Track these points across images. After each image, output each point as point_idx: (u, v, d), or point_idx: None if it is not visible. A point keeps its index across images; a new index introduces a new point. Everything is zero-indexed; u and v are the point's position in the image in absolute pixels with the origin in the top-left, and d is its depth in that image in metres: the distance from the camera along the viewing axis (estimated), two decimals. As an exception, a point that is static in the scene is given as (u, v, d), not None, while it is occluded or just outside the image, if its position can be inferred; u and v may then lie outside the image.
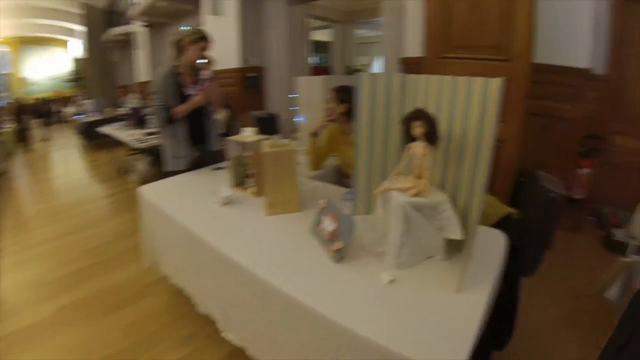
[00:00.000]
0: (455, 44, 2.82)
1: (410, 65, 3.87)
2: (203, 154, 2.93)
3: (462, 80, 1.51)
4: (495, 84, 1.34)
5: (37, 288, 3.17)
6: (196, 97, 2.68)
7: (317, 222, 1.74)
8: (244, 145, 2.24)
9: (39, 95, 15.00)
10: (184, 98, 2.70)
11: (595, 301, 2.49)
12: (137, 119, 5.72)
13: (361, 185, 1.88)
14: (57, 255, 3.75)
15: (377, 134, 1.80)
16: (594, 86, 3.29)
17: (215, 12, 5.81)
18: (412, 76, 1.71)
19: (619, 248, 2.99)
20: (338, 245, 1.55)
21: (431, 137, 1.45)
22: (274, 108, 5.94)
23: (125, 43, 10.53)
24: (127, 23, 9.56)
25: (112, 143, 6.47)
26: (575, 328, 2.41)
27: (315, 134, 2.64)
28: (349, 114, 2.49)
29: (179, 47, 2.67)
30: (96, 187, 6.22)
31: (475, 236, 1.39)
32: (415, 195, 1.50)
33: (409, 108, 1.57)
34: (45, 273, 3.41)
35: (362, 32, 9.55)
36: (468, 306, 1.29)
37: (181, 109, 2.68)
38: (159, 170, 3.39)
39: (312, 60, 7.41)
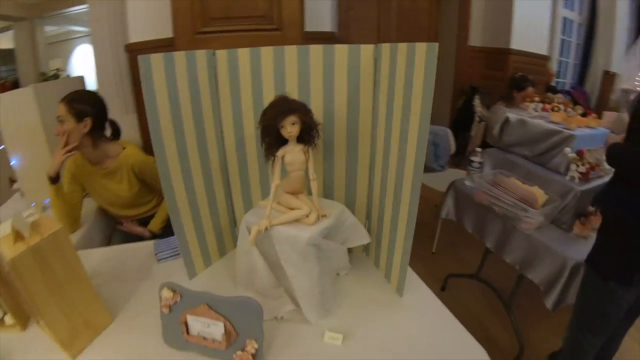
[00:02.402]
0: (215, 16, 2.33)
1: (143, 52, 2.99)
2: None
3: (315, 49, 1.12)
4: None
5: None
6: None
7: (178, 329, 0.99)
8: None
9: None
10: None
11: None
12: None
13: (186, 229, 1.22)
14: None
15: (190, 147, 1.16)
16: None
17: None
18: (225, 52, 1.14)
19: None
20: (250, 348, 0.92)
21: (310, 134, 1.02)
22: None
23: None
24: None
25: None
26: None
27: (55, 178, 1.69)
28: (95, 132, 1.69)
29: None
30: None
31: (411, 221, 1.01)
32: (316, 220, 1.02)
33: (225, 99, 1.18)
34: None
35: (52, 30, 7.88)
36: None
37: None
38: None
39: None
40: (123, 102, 2.98)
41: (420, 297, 1.14)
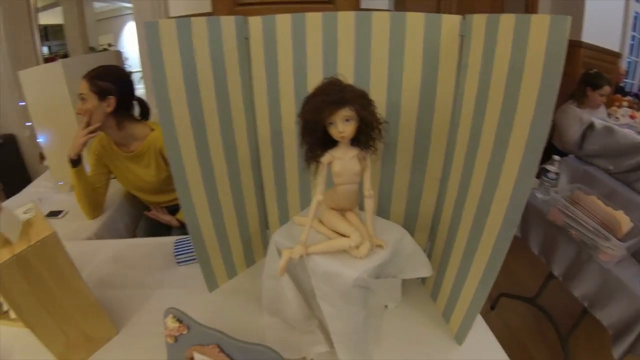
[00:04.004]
0: None
1: None
2: None
3: (379, 17, 0.82)
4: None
5: None
6: None
7: None
8: None
9: None
10: None
11: None
12: None
13: (206, 235, 1.01)
14: None
15: (212, 137, 0.93)
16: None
17: None
18: (260, 19, 0.89)
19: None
20: None
21: (369, 135, 0.75)
22: (6, 126, 4.23)
23: None
24: None
25: None
26: None
27: (76, 160, 1.54)
28: (120, 112, 1.54)
29: None
30: None
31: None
32: (368, 252, 0.76)
33: (259, 79, 0.94)
34: None
35: (102, 6, 7.94)
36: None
37: None
38: None
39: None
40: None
41: (482, 346, 0.89)
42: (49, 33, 7.43)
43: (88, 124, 1.49)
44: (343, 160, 0.74)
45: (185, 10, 2.69)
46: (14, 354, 1.00)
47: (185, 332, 0.77)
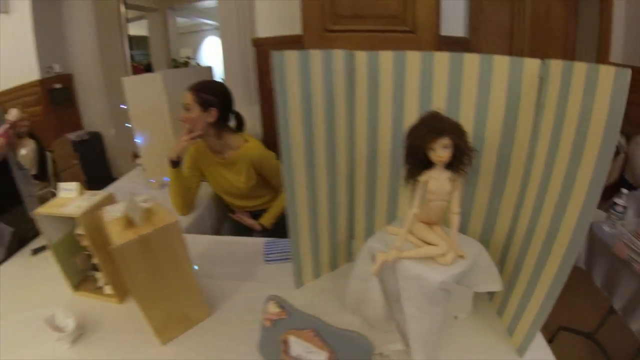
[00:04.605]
0: (344, 14, 2.24)
1: (270, 47, 3.05)
2: (22, 225, 1.71)
3: (470, 59, 0.96)
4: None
5: None
6: None
7: (277, 345, 0.91)
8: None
9: None
10: None
11: None
12: None
13: (303, 237, 1.16)
14: None
15: (318, 152, 1.08)
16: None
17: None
18: (366, 54, 1.04)
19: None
20: None
21: (461, 160, 0.87)
22: (93, 125, 4.61)
23: None
24: None
25: None
26: None
27: (176, 162, 1.74)
28: (219, 123, 1.71)
29: None
30: None
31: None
32: (453, 260, 0.87)
33: (361, 105, 1.09)
34: None
35: (183, 21, 8.50)
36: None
37: None
38: None
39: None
40: (247, 93, 3.11)
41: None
42: (133, 43, 7.83)
43: (190, 131, 1.67)
44: (438, 180, 0.85)
45: (272, 31, 2.86)
46: (104, 326, 1.14)
47: (284, 317, 0.90)
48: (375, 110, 1.06)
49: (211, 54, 9.11)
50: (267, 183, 1.83)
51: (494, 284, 0.99)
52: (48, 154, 2.01)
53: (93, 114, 4.74)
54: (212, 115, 1.65)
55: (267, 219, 1.85)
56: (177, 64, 7.69)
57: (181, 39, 8.44)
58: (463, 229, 1.10)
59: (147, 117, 2.19)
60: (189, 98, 1.66)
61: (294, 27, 2.50)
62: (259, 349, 0.96)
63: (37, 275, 1.43)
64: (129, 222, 0.95)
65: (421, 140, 0.83)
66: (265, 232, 1.80)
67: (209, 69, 2.94)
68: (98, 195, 1.21)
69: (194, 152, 1.82)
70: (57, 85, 4.48)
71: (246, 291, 1.23)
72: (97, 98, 4.67)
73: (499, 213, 1.05)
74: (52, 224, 1.23)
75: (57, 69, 4.51)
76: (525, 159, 0.96)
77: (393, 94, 1.03)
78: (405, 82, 1.01)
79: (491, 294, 1.14)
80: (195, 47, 9.06)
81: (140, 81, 2.30)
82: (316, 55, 0.97)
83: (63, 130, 4.41)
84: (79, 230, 1.21)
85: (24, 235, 1.70)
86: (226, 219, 2.03)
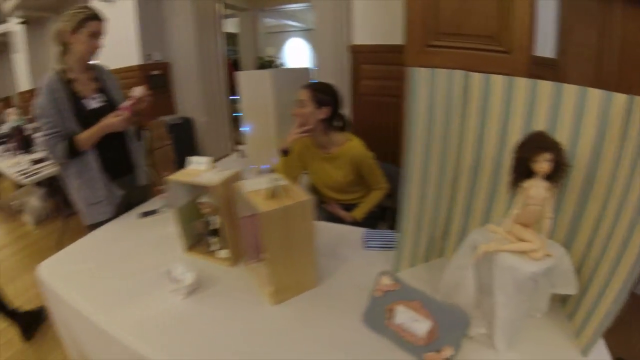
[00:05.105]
0: (446, 31, 2.35)
1: (367, 54, 3.23)
2: (130, 191, 2.03)
3: (567, 90, 1.09)
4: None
5: None
6: (111, 119, 1.80)
7: (382, 313, 1.10)
8: (201, 188, 1.42)
9: None
10: (84, 115, 1.82)
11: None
12: (21, 141, 4.38)
13: (409, 228, 1.32)
14: None
15: (433, 157, 1.26)
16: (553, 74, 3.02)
17: (106, -3, 4.65)
18: (480, 76, 1.19)
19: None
20: (446, 353, 0.97)
21: (558, 174, 1.03)
22: (186, 111, 5.02)
23: (2, 46, 8.62)
24: (2, 21, 7.78)
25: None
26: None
27: (285, 151, 1.94)
28: (330, 121, 1.90)
29: (62, 41, 1.79)
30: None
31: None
32: (542, 257, 1.02)
33: (471, 120, 1.23)
34: None
35: (270, 21, 8.94)
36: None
37: (87, 137, 1.80)
38: (60, 203, 2.76)
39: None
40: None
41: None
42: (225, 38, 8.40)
43: (302, 125, 1.87)
44: (537, 188, 1.00)
45: (370, 39, 3.00)
46: (216, 284, 1.34)
47: (395, 289, 1.07)
48: (483, 126, 1.22)
49: (293, 55, 9.49)
50: (362, 180, 1.98)
51: (571, 287, 1.11)
52: (146, 133, 2.27)
53: (187, 101, 5.12)
54: (324, 112, 1.84)
55: (359, 212, 2.00)
56: (262, 62, 8.03)
57: (267, 39, 8.82)
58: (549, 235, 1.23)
59: (254, 109, 2.44)
60: (305, 95, 1.85)
61: (390, 37, 2.63)
62: (365, 315, 1.13)
63: (146, 236, 1.71)
64: (270, 194, 1.16)
65: (528, 153, 0.99)
66: (355, 224, 1.95)
67: (306, 70, 3.15)
68: (227, 170, 1.41)
69: (299, 145, 2.00)
70: (155, 72, 4.90)
71: (348, 270, 1.39)
72: (191, 87, 5.03)
73: (581, 224, 1.16)
74: (179, 191, 1.46)
75: (157, 57, 4.93)
76: (608, 179, 1.07)
77: (500, 113, 1.18)
78: (512, 104, 1.16)
79: (565, 300, 1.25)
80: (278, 47, 9.48)
81: (252, 76, 2.57)
82: (441, 74, 1.15)
83: (158, 113, 4.82)
84: (204, 199, 1.43)
85: (131, 200, 2.01)
86: (319, 209, 2.19)
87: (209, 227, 1.47)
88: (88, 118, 1.80)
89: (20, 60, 7.88)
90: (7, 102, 8.67)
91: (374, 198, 2.01)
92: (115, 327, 1.18)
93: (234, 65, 7.24)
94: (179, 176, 1.42)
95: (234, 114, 5.24)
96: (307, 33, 9.68)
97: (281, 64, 8.31)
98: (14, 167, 3.95)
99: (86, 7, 1.78)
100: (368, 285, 1.17)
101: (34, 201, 4.32)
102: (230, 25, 8.20)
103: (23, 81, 7.99)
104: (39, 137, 1.65)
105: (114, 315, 1.23)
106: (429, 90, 1.14)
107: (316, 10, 3.64)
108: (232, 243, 1.41)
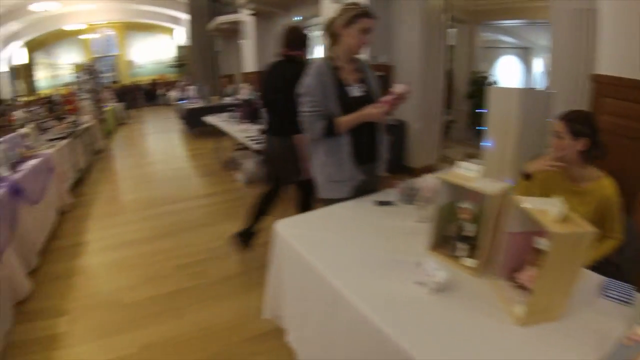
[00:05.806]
0: None
1: (607, 87, 2.82)
2: (369, 178, 2.20)
3: None
4: None
5: (114, 310, 2.59)
6: (371, 109, 1.96)
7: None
8: (463, 193, 1.47)
9: (144, 79, 16.20)
10: (347, 101, 2.01)
11: None
12: (249, 113, 5.17)
13: None
14: (145, 266, 3.17)
15: None
16: None
17: (338, -3, 5.07)
18: None
19: None
20: None
21: None
22: (402, 114, 5.15)
23: (231, 32, 10.37)
24: (235, 11, 9.36)
25: (215, 132, 6.04)
26: None
27: (528, 176, 1.87)
28: (588, 153, 1.73)
29: (332, 34, 2.01)
30: (196, 181, 5.74)
31: None
32: None
33: None
34: (127, 289, 2.83)
35: (485, 36, 8.60)
36: None
37: (346, 121, 1.99)
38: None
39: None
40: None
41: None
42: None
43: (557, 159, 1.75)
44: None
45: (617, 71, 2.65)
46: (460, 289, 1.34)
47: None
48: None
49: (505, 73, 9.02)
50: (600, 225, 1.75)
51: None
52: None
53: (405, 105, 5.26)
54: (582, 144, 1.70)
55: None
56: (475, 77, 7.83)
57: (480, 53, 8.57)
58: None
59: (499, 124, 2.39)
60: (560, 126, 1.74)
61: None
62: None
63: (383, 223, 1.84)
64: (561, 217, 1.13)
65: None
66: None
67: (548, 94, 2.96)
68: (497, 183, 1.42)
69: (545, 173, 1.88)
70: (379, 73, 5.14)
71: (587, 313, 1.25)
72: (412, 92, 5.16)
73: None
74: (444, 190, 1.52)
75: (383, 59, 5.23)
76: None
77: None
78: None
79: None
80: (491, 62, 9.12)
81: (501, 92, 2.52)
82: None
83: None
84: (465, 204, 1.46)
85: (367, 186, 2.17)
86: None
87: (461, 233, 1.50)
88: (349, 104, 1.99)
89: (247, 45, 9.35)
90: (230, 79, 10.68)
91: (606, 247, 1.79)
92: (356, 296, 1.29)
93: (448, 76, 7.19)
94: (451, 177, 1.48)
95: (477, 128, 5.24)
96: (521, 51, 9.18)
97: (495, 82, 7.94)
98: (242, 133, 4.62)
99: (358, 4, 1.98)
100: (605, 333, 1.12)
101: (249, 164, 5.05)
102: (448, 37, 8.23)
103: (248, 64, 9.50)
104: (302, 115, 1.89)
105: (355, 285, 1.35)
106: None
107: (554, 28, 3.41)
108: (485, 254, 1.41)
